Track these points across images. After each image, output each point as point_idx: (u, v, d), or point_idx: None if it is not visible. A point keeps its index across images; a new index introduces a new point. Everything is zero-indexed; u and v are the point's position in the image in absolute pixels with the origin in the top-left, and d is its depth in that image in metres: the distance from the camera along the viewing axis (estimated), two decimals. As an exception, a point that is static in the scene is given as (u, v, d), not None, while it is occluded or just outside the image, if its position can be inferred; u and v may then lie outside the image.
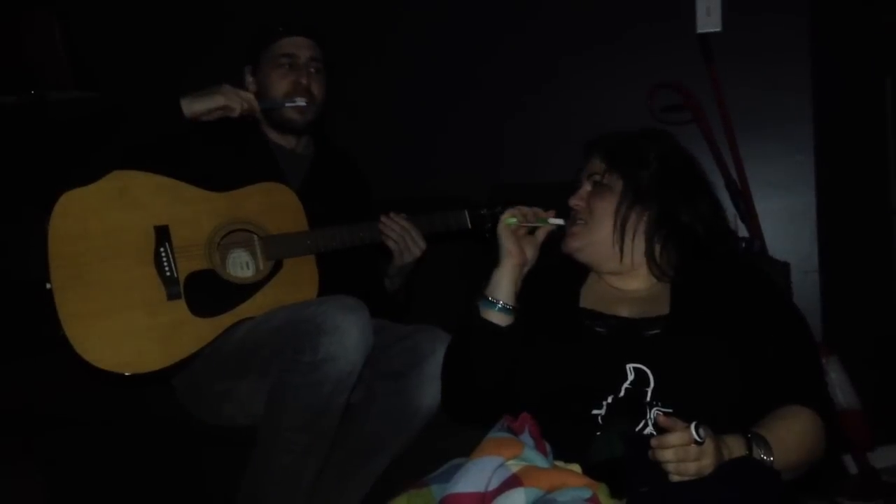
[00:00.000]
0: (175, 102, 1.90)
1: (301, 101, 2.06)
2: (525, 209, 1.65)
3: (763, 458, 1.34)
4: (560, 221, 1.65)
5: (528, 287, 1.64)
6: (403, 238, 2.03)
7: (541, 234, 1.66)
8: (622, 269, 1.61)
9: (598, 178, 1.62)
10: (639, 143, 1.64)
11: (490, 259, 1.65)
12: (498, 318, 1.58)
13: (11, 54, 2.75)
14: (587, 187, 1.64)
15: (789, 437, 1.39)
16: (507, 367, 1.57)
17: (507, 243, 1.61)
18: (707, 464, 1.25)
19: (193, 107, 1.91)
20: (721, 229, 1.63)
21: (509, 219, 1.63)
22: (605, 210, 1.59)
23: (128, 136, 1.90)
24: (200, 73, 2.89)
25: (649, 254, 1.59)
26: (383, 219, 2.04)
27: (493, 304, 1.59)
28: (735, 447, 1.32)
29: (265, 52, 2.10)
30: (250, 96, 1.99)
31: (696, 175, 1.65)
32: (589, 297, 1.63)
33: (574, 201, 1.63)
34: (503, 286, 1.60)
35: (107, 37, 3.01)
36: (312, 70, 2.10)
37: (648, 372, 1.45)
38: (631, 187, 1.59)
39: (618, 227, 1.58)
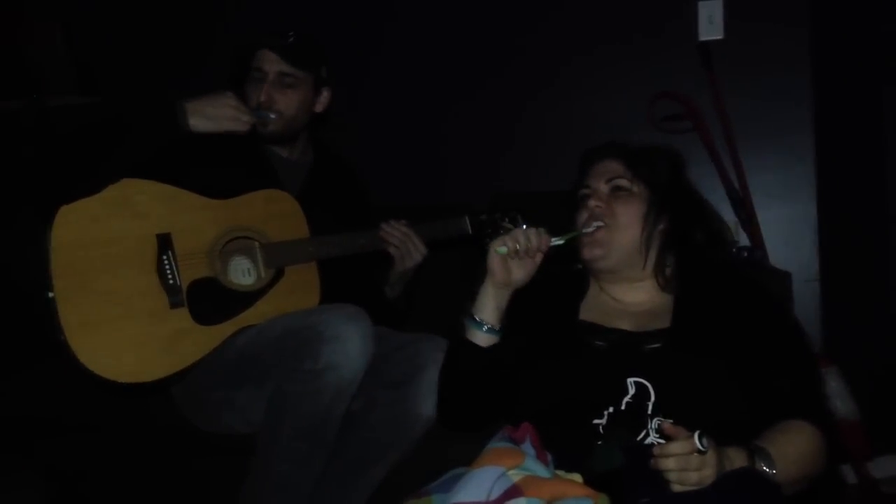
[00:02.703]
0: (182, 120, 1.88)
1: (261, 115, 2.02)
2: (520, 237, 1.54)
3: (765, 471, 1.34)
4: (560, 241, 1.58)
5: (526, 299, 1.61)
6: (405, 244, 2.04)
7: (539, 256, 1.59)
8: (642, 276, 1.60)
9: (623, 182, 1.60)
10: (655, 153, 1.65)
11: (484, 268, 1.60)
12: (481, 338, 1.57)
13: (14, 59, 2.75)
14: (603, 188, 1.62)
15: (791, 450, 1.39)
16: (496, 383, 1.56)
17: (489, 262, 1.54)
18: (708, 474, 1.25)
19: (200, 127, 1.89)
20: (724, 242, 1.65)
21: (499, 247, 1.53)
22: (632, 215, 1.58)
23: (132, 153, 1.89)
24: (202, 77, 2.91)
25: (660, 264, 1.59)
26: (384, 225, 2.05)
27: (478, 324, 1.57)
28: (737, 459, 1.32)
29: (248, 65, 2.10)
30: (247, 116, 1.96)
31: (698, 191, 1.67)
32: (589, 310, 1.62)
33: (594, 202, 1.60)
34: (485, 305, 1.56)
35: (109, 42, 3.01)
36: (285, 84, 2.07)
37: (649, 386, 1.45)
38: (658, 196, 1.59)
39: (645, 234, 1.57)
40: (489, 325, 1.56)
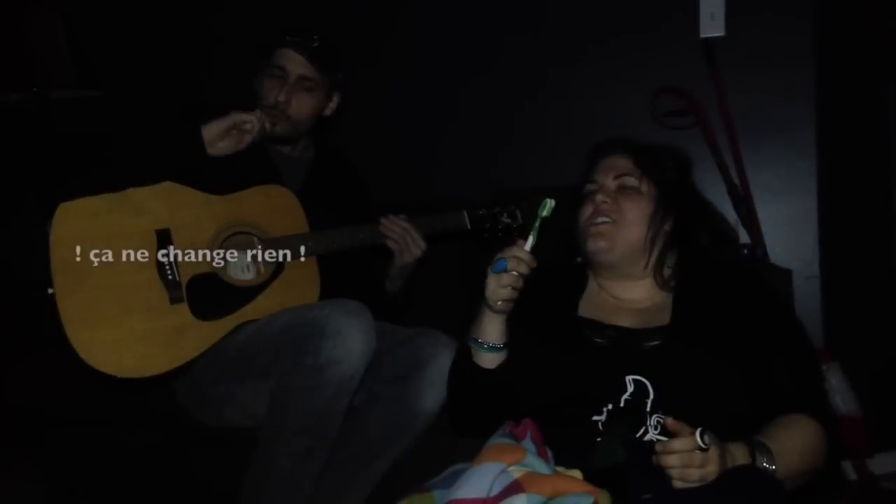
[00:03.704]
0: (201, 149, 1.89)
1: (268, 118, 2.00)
2: (522, 268, 1.48)
3: (766, 466, 1.34)
4: (532, 241, 1.50)
5: (526, 294, 1.57)
6: (404, 238, 2.03)
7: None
8: (642, 274, 1.60)
9: (631, 180, 1.59)
10: (664, 152, 1.64)
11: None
12: (488, 360, 1.56)
13: (14, 52, 2.74)
14: (611, 184, 1.60)
15: (791, 445, 1.39)
16: (507, 395, 1.55)
17: (501, 307, 1.50)
18: (711, 471, 1.25)
19: (222, 152, 1.91)
20: (729, 244, 1.65)
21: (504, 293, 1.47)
22: (639, 213, 1.57)
23: (153, 178, 1.90)
24: (204, 70, 2.91)
25: (660, 263, 1.59)
26: (383, 220, 2.05)
27: (484, 347, 1.55)
28: (738, 455, 1.32)
29: (267, 58, 2.08)
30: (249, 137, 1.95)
31: (702, 193, 1.67)
32: (588, 307, 1.62)
33: (601, 198, 1.58)
34: (490, 330, 1.54)
35: (110, 35, 3.01)
36: (304, 87, 2.05)
37: (648, 384, 1.45)
38: (665, 196, 1.58)
39: (651, 233, 1.56)
40: (494, 344, 1.55)
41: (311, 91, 2.07)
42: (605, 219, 1.57)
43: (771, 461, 1.35)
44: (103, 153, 1.90)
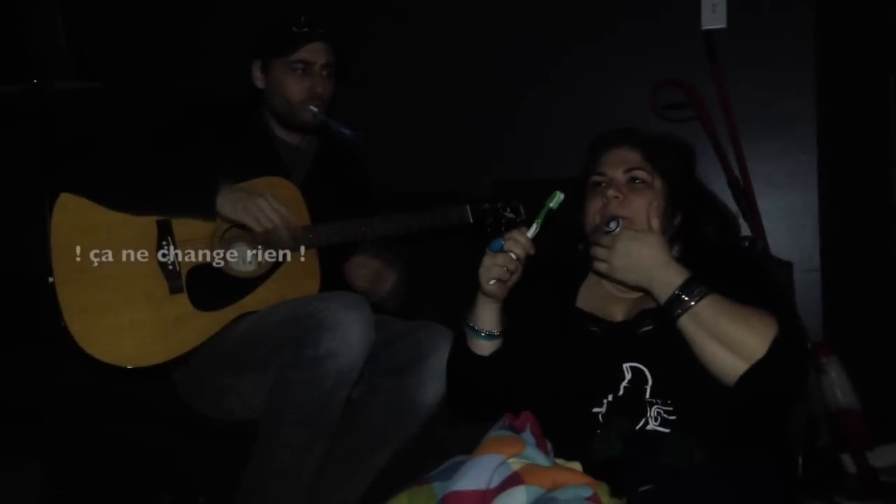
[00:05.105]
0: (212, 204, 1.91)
1: (314, 108, 2.04)
2: (511, 258, 1.48)
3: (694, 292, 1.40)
4: (536, 228, 1.51)
5: (526, 282, 1.56)
6: (375, 280, 2.04)
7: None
8: None
9: (642, 174, 1.56)
10: (670, 144, 1.62)
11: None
12: (483, 346, 1.57)
13: (13, 43, 2.74)
14: (620, 178, 1.57)
15: (736, 304, 1.40)
16: (502, 382, 1.56)
17: (491, 291, 1.51)
18: (613, 259, 1.43)
19: (226, 212, 1.92)
20: (733, 234, 1.64)
21: (494, 279, 1.49)
22: (651, 209, 1.53)
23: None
24: (203, 61, 2.91)
25: None
26: (351, 265, 2.05)
27: (479, 334, 1.56)
28: (673, 271, 1.42)
29: (281, 54, 2.05)
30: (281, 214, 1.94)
31: (705, 184, 1.67)
32: (587, 298, 1.61)
33: (612, 192, 1.55)
34: (486, 317, 1.55)
35: (109, 26, 3.01)
36: (325, 74, 2.06)
37: (645, 370, 1.44)
38: (674, 190, 1.57)
39: (662, 229, 1.53)
40: (489, 332, 1.56)
41: (331, 76, 2.09)
42: (619, 217, 1.53)
43: (702, 294, 1.39)
44: (119, 174, 1.90)
